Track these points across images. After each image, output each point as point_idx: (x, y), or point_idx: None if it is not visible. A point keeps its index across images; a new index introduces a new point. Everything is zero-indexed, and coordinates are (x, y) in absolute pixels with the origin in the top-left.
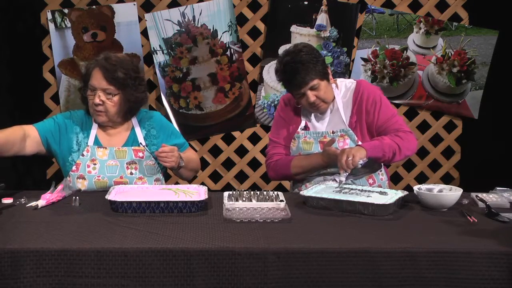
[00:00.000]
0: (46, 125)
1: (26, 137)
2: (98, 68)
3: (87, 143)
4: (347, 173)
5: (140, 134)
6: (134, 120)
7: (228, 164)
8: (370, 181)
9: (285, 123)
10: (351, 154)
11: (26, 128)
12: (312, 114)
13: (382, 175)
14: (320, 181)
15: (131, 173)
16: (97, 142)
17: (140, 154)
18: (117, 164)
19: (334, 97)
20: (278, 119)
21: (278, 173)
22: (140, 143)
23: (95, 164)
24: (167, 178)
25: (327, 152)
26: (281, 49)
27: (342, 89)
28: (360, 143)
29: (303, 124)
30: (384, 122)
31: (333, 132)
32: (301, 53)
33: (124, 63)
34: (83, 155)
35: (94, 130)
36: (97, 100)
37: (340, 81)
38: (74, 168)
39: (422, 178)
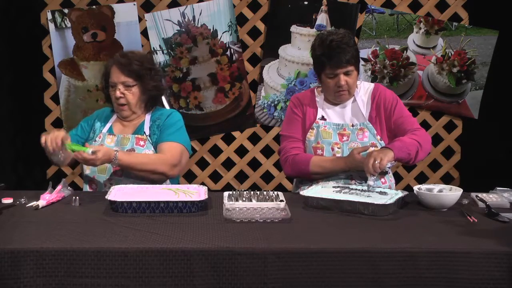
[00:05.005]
0: (74, 133)
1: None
2: (115, 65)
3: (101, 131)
4: (375, 177)
5: (147, 123)
6: (149, 115)
7: (228, 164)
8: (382, 180)
9: (299, 118)
10: (378, 157)
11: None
12: (328, 109)
13: (391, 177)
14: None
15: None
16: (110, 130)
17: (141, 143)
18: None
19: (354, 94)
20: (291, 115)
21: (295, 168)
22: (144, 132)
23: None
24: None
25: (354, 158)
26: (281, 49)
27: (361, 88)
28: (379, 137)
29: (320, 115)
30: (399, 118)
31: (352, 125)
32: (347, 37)
33: (138, 56)
34: (95, 141)
35: (112, 119)
36: (118, 94)
37: (358, 82)
38: None
39: (422, 178)
